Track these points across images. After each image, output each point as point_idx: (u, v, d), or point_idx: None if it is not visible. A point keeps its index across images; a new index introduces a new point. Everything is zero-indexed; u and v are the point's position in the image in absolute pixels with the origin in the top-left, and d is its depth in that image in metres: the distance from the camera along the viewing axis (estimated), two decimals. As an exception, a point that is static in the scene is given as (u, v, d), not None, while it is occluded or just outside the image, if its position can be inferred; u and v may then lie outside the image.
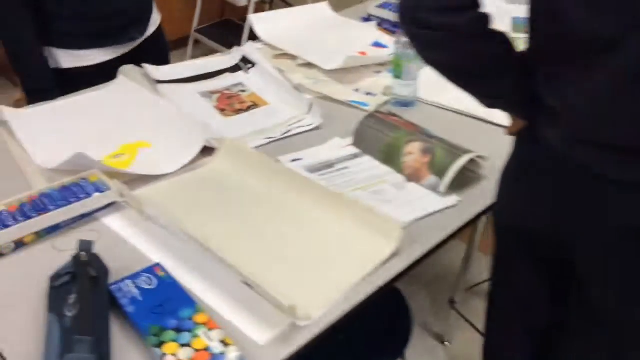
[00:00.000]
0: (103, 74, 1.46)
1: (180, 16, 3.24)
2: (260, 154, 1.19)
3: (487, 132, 1.31)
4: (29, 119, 1.29)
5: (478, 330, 1.78)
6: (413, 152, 1.16)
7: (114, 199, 1.06)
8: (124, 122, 1.30)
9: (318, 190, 1.08)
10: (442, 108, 1.40)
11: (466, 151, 1.14)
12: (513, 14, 1.74)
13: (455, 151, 1.13)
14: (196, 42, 3.33)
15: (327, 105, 1.39)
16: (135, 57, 1.54)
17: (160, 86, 1.41)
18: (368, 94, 1.45)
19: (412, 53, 1.31)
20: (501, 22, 1.33)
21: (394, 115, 1.28)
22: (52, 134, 1.25)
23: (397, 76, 1.37)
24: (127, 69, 1.46)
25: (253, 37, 1.69)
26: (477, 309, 1.81)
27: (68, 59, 1.50)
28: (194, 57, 2.51)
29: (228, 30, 3.37)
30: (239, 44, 2.01)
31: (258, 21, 1.71)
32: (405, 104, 1.40)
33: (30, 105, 1.37)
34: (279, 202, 1.09)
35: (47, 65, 1.48)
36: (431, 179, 1.13)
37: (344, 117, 1.35)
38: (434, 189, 1.12)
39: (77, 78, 1.50)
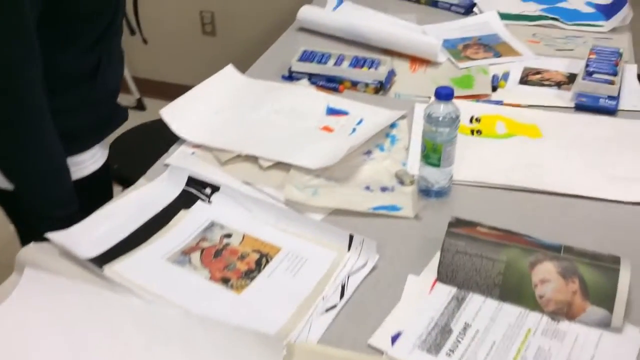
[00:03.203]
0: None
1: None
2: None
3: (558, 206, 1.05)
4: None
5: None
6: (549, 279, 0.85)
7: None
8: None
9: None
10: (484, 186, 1.10)
11: (614, 258, 0.86)
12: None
13: (604, 263, 0.85)
14: None
15: (346, 224, 1.00)
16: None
17: (106, 269, 0.88)
18: (383, 189, 1.09)
19: (453, 128, 0.99)
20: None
21: (475, 224, 0.93)
22: None
23: (434, 163, 1.03)
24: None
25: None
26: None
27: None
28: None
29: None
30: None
31: (170, 116, 1.21)
32: (442, 193, 1.07)
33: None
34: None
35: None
36: (592, 311, 0.83)
37: (386, 237, 0.97)
38: (603, 325, 0.82)
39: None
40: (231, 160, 1.14)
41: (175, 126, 1.18)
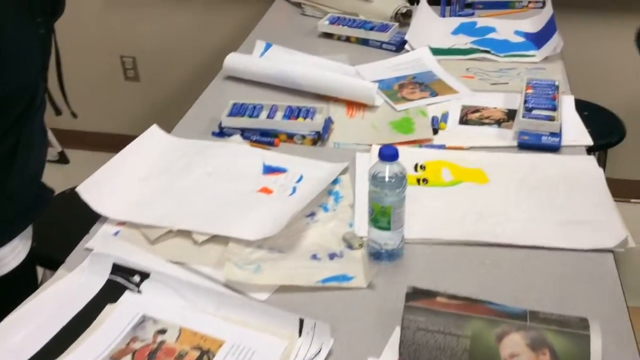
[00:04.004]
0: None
1: None
2: None
3: (516, 260, 0.99)
4: None
5: None
6: (518, 352, 0.78)
7: None
8: None
9: None
10: (437, 243, 1.04)
11: (583, 323, 0.80)
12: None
13: (573, 329, 0.79)
14: None
15: (294, 301, 0.91)
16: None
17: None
18: (332, 256, 1.00)
19: (401, 189, 0.93)
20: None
21: (434, 293, 0.86)
22: None
23: (383, 227, 0.96)
24: None
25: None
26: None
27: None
28: None
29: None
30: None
31: (89, 193, 1.09)
32: (394, 255, 1.00)
33: None
34: None
35: None
36: (568, 384, 0.77)
37: (339, 314, 0.89)
38: (580, 398, 0.76)
39: None
40: (162, 237, 1.03)
41: (95, 204, 1.07)
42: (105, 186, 1.11)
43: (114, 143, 3.03)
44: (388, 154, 0.91)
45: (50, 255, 1.38)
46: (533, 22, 1.85)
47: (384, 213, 0.94)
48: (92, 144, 2.87)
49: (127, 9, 2.56)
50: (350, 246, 1.02)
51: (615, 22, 2.19)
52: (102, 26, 2.62)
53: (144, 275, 0.92)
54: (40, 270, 1.40)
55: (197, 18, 2.53)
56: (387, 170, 0.92)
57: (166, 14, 2.54)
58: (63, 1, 0.96)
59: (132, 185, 1.14)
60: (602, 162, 1.86)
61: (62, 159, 2.76)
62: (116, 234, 1.04)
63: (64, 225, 1.38)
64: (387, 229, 0.95)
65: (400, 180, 0.93)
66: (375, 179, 0.93)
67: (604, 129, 1.39)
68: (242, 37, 2.51)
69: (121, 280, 0.93)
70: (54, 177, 1.21)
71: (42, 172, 1.08)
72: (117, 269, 0.94)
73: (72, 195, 1.59)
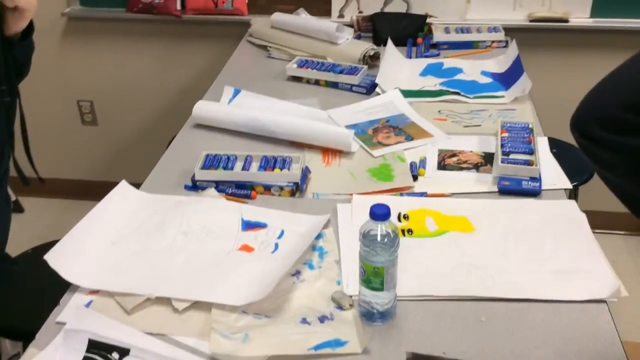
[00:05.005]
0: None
1: None
2: None
3: (511, 314, 0.96)
4: None
5: None
6: (530, 422, 0.75)
7: None
8: None
9: None
10: (430, 299, 1.00)
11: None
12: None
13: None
14: None
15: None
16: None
17: None
18: (322, 319, 0.96)
19: (394, 248, 0.89)
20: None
21: (435, 359, 0.82)
22: None
23: (376, 288, 0.92)
24: None
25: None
26: None
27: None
28: None
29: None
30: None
31: (57, 261, 1.01)
32: (387, 315, 0.95)
33: None
34: None
35: None
36: None
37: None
38: None
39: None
40: (139, 306, 0.96)
41: (65, 272, 0.99)
42: (75, 252, 1.04)
43: (70, 189, 2.94)
44: (380, 213, 0.88)
45: (12, 324, 1.29)
46: (498, 62, 1.87)
47: (376, 274, 0.90)
48: (48, 190, 2.75)
49: (84, 53, 2.48)
50: (340, 307, 0.98)
51: (575, 59, 2.25)
52: (59, 70, 2.53)
53: (123, 352, 0.85)
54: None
55: (156, 61, 2.47)
56: (379, 229, 0.89)
57: (124, 57, 2.47)
58: (29, 62, 0.91)
59: (104, 250, 1.06)
60: (573, 198, 1.87)
61: (17, 208, 2.62)
62: (89, 304, 0.97)
63: (26, 290, 1.29)
64: (380, 289, 0.91)
65: (392, 239, 0.89)
66: (366, 238, 0.90)
67: (574, 167, 1.39)
68: (204, 80, 2.47)
69: (99, 358, 0.85)
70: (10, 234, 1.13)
71: (6, 244, 1.00)
72: (93, 345, 0.87)
73: (35, 255, 1.50)
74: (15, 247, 1.48)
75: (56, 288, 1.01)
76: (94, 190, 2.83)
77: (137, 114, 2.59)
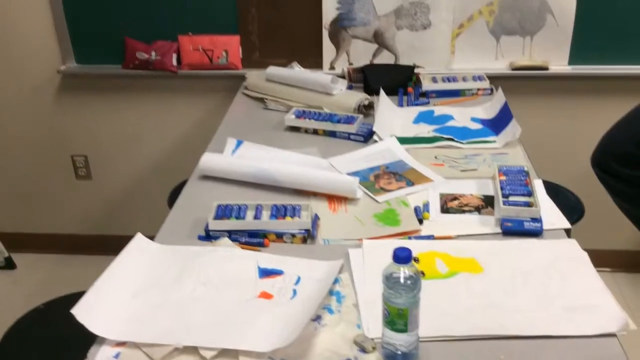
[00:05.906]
0: None
1: None
2: None
3: (530, 352, 0.99)
4: None
5: None
6: None
7: None
8: None
9: None
10: (448, 339, 1.03)
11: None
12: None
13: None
14: None
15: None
16: None
17: None
18: (347, 362, 0.98)
19: (417, 290, 0.93)
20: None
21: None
22: None
23: (400, 329, 0.95)
24: None
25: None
26: None
27: None
28: None
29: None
30: None
31: (84, 315, 1.02)
32: (410, 356, 0.98)
33: None
34: None
35: None
36: None
37: None
38: None
39: None
40: (167, 355, 0.98)
41: (92, 326, 1.00)
42: (98, 304, 1.06)
43: (64, 243, 2.91)
44: (403, 255, 0.92)
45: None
46: (486, 109, 1.96)
47: (400, 315, 0.94)
48: (41, 246, 2.74)
49: (79, 108, 2.52)
50: (363, 350, 1.01)
51: (556, 104, 2.36)
52: (53, 126, 2.56)
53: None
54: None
55: (151, 114, 2.52)
56: (402, 272, 0.93)
57: (119, 112, 2.51)
58: None
59: (126, 303, 1.08)
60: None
61: (9, 265, 2.60)
62: (117, 356, 0.98)
63: (39, 344, 1.28)
64: (404, 331, 0.95)
65: (415, 281, 0.93)
66: (389, 280, 0.93)
67: (565, 208, 1.46)
68: (199, 133, 2.52)
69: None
70: (1, 285, 1.13)
71: None
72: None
73: (46, 311, 1.48)
74: (8, 303, 1.44)
75: (66, 339, 1.02)
76: (88, 245, 2.84)
77: (132, 167, 2.62)
